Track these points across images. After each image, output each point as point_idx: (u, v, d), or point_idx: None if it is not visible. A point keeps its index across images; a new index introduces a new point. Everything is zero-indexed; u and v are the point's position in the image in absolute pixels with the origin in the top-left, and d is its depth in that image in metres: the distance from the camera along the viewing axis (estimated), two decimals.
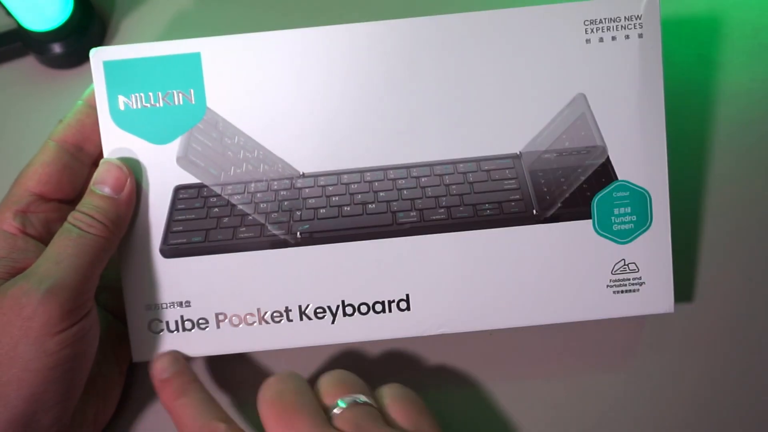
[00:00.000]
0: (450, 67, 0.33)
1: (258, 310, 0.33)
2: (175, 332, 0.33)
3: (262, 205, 0.33)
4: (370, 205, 0.33)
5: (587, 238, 0.33)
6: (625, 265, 0.34)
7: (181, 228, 0.33)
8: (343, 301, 0.33)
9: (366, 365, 0.36)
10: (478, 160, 0.33)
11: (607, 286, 0.34)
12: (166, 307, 0.33)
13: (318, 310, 0.33)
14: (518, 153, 0.34)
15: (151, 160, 0.33)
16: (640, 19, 0.33)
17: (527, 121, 0.33)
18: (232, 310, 0.33)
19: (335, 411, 0.29)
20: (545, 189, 0.34)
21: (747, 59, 0.40)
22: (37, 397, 0.28)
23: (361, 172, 0.33)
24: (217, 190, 0.33)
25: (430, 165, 0.34)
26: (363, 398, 0.29)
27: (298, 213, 0.33)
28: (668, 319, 0.37)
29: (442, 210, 0.33)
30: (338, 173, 0.33)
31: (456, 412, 0.36)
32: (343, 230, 0.33)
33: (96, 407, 0.33)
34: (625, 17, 0.33)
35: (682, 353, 0.36)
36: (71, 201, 0.33)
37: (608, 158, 0.33)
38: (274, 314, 0.33)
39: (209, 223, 0.33)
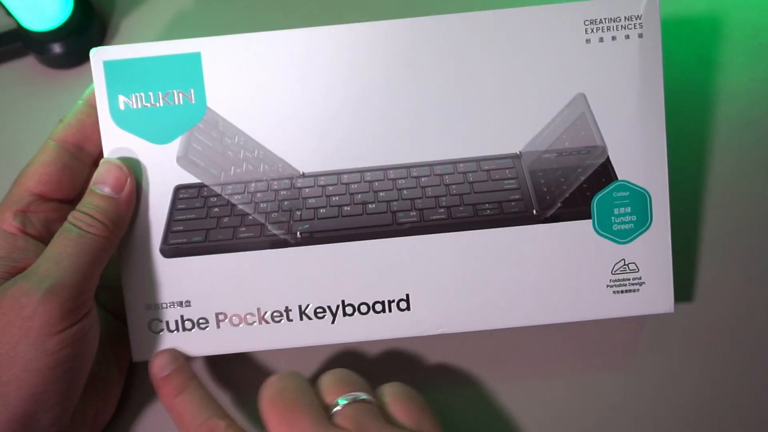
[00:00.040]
0: (450, 67, 0.33)
1: (258, 309, 0.33)
2: (175, 332, 0.33)
3: (262, 205, 0.33)
4: (370, 205, 0.33)
5: (587, 238, 0.33)
6: (625, 265, 0.34)
7: (181, 228, 0.33)
8: (343, 301, 0.33)
9: (366, 365, 0.36)
10: (478, 160, 0.33)
11: (607, 286, 0.34)
12: (166, 307, 0.33)
13: (318, 310, 0.33)
14: (518, 153, 0.34)
15: (151, 160, 0.33)
16: (640, 19, 0.33)
17: (527, 121, 0.33)
18: (232, 309, 0.33)
19: (336, 409, 0.29)
20: (545, 189, 0.34)
21: (747, 59, 0.40)
22: (37, 396, 0.28)
23: (361, 171, 0.33)
24: (217, 189, 0.33)
25: (430, 165, 0.34)
26: (364, 396, 0.29)
27: (298, 213, 0.33)
28: (668, 319, 0.37)
29: (442, 210, 0.33)
30: (338, 173, 0.33)
31: (456, 411, 0.36)
32: (343, 230, 0.33)
33: (96, 407, 0.33)
34: (625, 17, 0.33)
35: (682, 353, 0.36)
36: (71, 201, 0.33)
37: (608, 158, 0.33)
38: (274, 314, 0.33)
39: (209, 222, 0.33)
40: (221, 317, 0.33)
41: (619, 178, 0.33)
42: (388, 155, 0.33)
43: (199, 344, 0.33)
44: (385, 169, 0.33)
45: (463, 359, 0.36)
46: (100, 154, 0.33)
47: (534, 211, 0.33)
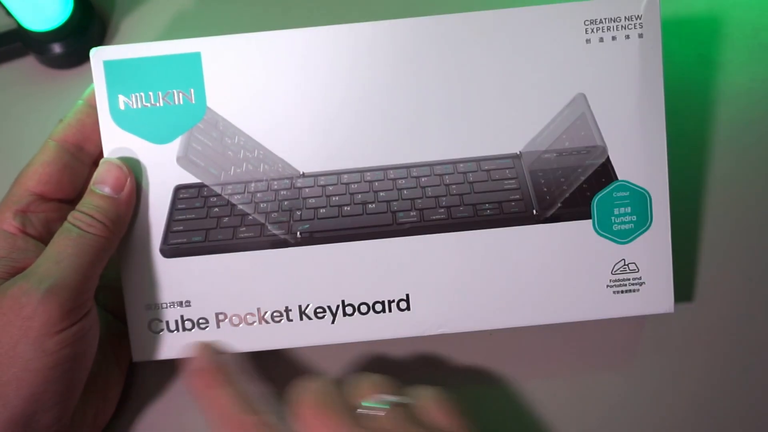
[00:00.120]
0: (450, 67, 0.33)
1: (258, 309, 0.33)
2: (175, 332, 0.33)
3: (262, 205, 0.33)
4: (370, 205, 0.33)
5: (587, 238, 0.33)
6: (625, 265, 0.34)
7: (181, 228, 0.33)
8: (343, 301, 0.33)
9: (364, 365, 0.36)
10: (478, 160, 0.33)
11: (607, 286, 0.34)
12: (166, 307, 0.33)
13: (318, 310, 0.33)
14: (518, 153, 0.34)
15: (151, 160, 0.33)
16: (640, 19, 0.33)
17: (527, 121, 0.33)
18: (232, 309, 0.33)
19: (371, 412, 0.29)
20: (545, 189, 0.34)
21: (747, 59, 0.40)
22: (36, 397, 0.28)
23: (361, 171, 0.33)
24: (217, 189, 0.33)
25: (430, 165, 0.34)
26: (399, 399, 0.29)
27: (298, 213, 0.33)
28: (668, 319, 0.37)
29: (442, 210, 0.33)
30: (338, 173, 0.33)
31: None
32: (343, 230, 0.33)
33: (96, 407, 0.33)
34: (625, 17, 0.33)
35: (682, 353, 0.36)
36: (71, 201, 0.33)
37: (608, 158, 0.33)
38: (274, 314, 0.33)
39: (209, 222, 0.33)
40: (221, 317, 0.33)
41: (619, 178, 0.33)
42: (388, 155, 0.33)
43: None
44: (385, 169, 0.33)
45: (463, 360, 0.36)
46: (100, 154, 0.33)
47: (534, 211, 0.33)
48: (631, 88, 0.33)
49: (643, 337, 0.37)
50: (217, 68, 0.33)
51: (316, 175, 0.33)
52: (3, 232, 0.31)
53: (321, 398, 0.29)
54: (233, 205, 0.33)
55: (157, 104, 0.33)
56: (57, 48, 0.40)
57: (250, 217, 0.33)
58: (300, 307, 0.33)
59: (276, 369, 0.36)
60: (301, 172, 0.33)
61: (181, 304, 0.33)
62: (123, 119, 0.33)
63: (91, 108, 0.33)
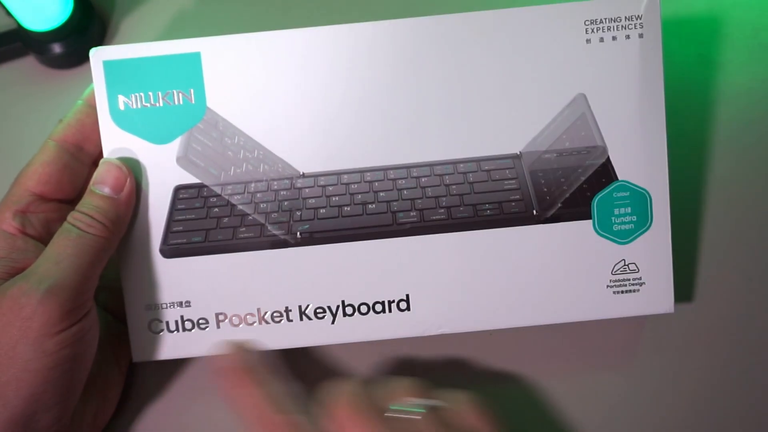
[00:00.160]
0: (450, 67, 0.33)
1: (258, 310, 0.33)
2: (175, 332, 0.33)
3: (262, 205, 0.33)
4: (370, 205, 0.33)
5: (587, 239, 0.33)
6: (625, 265, 0.34)
7: (181, 228, 0.33)
8: (343, 301, 0.33)
9: (365, 364, 0.36)
10: (478, 160, 0.33)
11: (607, 286, 0.34)
12: (166, 307, 0.33)
13: (318, 310, 0.33)
14: (518, 153, 0.34)
15: (151, 160, 0.33)
16: (640, 19, 0.33)
17: (527, 121, 0.33)
18: (233, 310, 0.33)
19: (406, 415, 0.29)
20: (545, 189, 0.33)
21: (747, 59, 0.40)
22: (36, 397, 0.28)
23: (361, 172, 0.33)
24: (217, 190, 0.33)
25: (430, 165, 0.33)
26: (433, 403, 0.29)
27: (298, 213, 0.33)
28: (668, 319, 0.37)
29: (442, 210, 0.33)
30: (338, 173, 0.33)
31: None
32: (343, 230, 0.33)
33: (96, 407, 0.33)
34: (625, 17, 0.33)
35: (682, 353, 0.36)
36: (71, 201, 0.33)
37: (608, 158, 0.33)
38: (274, 314, 0.33)
39: (209, 223, 0.33)
40: (221, 317, 0.33)
41: (620, 178, 0.33)
42: (388, 155, 0.33)
43: (199, 345, 0.33)
44: (385, 169, 0.33)
45: (463, 360, 0.36)
46: (100, 154, 0.33)
47: (534, 212, 0.33)
48: (631, 88, 0.33)
49: (643, 337, 0.37)
50: (217, 68, 0.33)
51: (316, 176, 0.33)
52: (2, 232, 0.31)
53: (356, 400, 0.29)
54: (233, 206, 0.33)
55: (157, 104, 0.33)
56: (57, 48, 0.40)
57: (250, 218, 0.33)
58: (300, 307, 0.33)
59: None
60: (301, 173, 0.33)
61: (181, 304, 0.33)
62: (123, 119, 0.33)
63: (91, 108, 0.33)
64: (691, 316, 0.37)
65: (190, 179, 0.33)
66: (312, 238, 0.33)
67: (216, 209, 0.33)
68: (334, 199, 0.33)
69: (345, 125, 0.33)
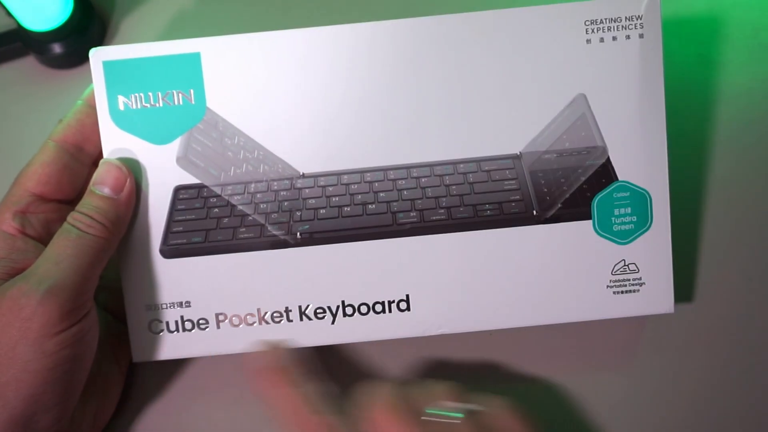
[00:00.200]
0: (450, 67, 0.33)
1: (258, 310, 0.33)
2: (175, 332, 0.33)
3: (262, 206, 0.33)
4: (370, 206, 0.33)
5: (587, 239, 0.33)
6: (625, 265, 0.34)
7: (181, 228, 0.33)
8: (343, 302, 0.33)
9: (364, 365, 0.36)
10: (478, 161, 0.33)
11: (608, 286, 0.34)
12: (166, 308, 0.33)
13: (318, 311, 0.33)
14: (518, 153, 0.34)
15: (151, 161, 0.33)
16: (640, 19, 0.33)
17: (527, 121, 0.33)
18: (233, 310, 0.33)
19: (445, 419, 0.28)
20: (545, 189, 0.33)
21: (747, 59, 0.40)
22: (36, 398, 0.28)
23: (361, 172, 0.33)
24: (217, 190, 0.33)
25: (430, 165, 0.33)
26: (471, 407, 0.29)
27: (298, 213, 0.33)
28: (668, 319, 0.37)
29: (443, 210, 0.33)
30: (338, 173, 0.33)
31: None
32: (343, 230, 0.33)
33: (96, 408, 0.33)
34: (625, 17, 0.33)
35: (682, 353, 0.36)
36: (71, 201, 0.33)
37: (608, 159, 0.33)
38: (274, 314, 0.33)
39: (209, 223, 0.33)
40: (221, 318, 0.33)
41: (620, 178, 0.33)
42: (388, 156, 0.33)
43: (199, 345, 0.33)
44: (385, 169, 0.33)
45: (462, 360, 0.36)
46: (100, 155, 0.33)
47: (534, 212, 0.33)
48: (631, 88, 0.33)
49: (643, 337, 0.37)
50: (217, 68, 0.33)
51: (316, 176, 0.33)
52: (2, 232, 0.31)
53: (393, 402, 0.29)
54: (233, 206, 0.33)
55: (157, 105, 0.33)
56: (57, 48, 0.40)
57: (250, 218, 0.33)
58: (300, 307, 0.33)
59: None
60: (301, 173, 0.33)
61: (181, 304, 0.33)
62: (122, 120, 0.33)
63: (91, 108, 0.33)
64: (691, 316, 0.37)
65: (190, 179, 0.33)
66: (312, 239, 0.33)
67: (216, 209, 0.33)
68: (334, 199, 0.33)
69: (345, 125, 0.33)
